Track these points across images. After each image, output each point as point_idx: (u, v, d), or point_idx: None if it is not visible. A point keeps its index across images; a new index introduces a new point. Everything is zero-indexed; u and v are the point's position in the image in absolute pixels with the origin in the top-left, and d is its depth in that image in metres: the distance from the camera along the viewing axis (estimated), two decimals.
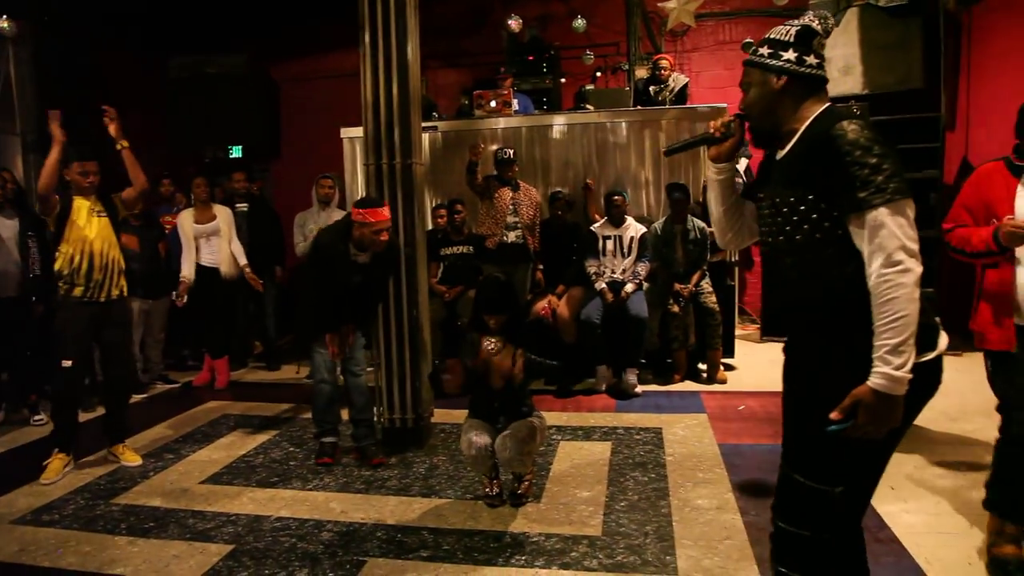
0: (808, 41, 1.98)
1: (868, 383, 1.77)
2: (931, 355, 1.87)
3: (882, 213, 1.75)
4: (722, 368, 6.11)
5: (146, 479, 4.25)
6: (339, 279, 4.17)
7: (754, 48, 2.07)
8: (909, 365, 1.74)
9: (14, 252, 5.19)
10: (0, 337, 5.27)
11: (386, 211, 4.14)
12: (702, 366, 6.19)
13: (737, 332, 6.84)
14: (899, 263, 1.74)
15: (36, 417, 5.39)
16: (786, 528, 2.01)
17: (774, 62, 1.99)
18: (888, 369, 1.74)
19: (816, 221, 1.88)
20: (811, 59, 1.98)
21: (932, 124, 6.84)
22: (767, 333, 7.61)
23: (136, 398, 6.05)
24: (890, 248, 1.74)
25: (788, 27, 2.01)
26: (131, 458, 4.51)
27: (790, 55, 1.97)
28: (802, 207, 1.90)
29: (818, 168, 1.85)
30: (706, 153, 2.24)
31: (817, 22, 1.99)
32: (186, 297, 6.03)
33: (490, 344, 3.66)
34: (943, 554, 2.99)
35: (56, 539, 3.47)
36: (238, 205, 6.87)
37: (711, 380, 6.02)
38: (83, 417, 5.07)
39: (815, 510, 1.94)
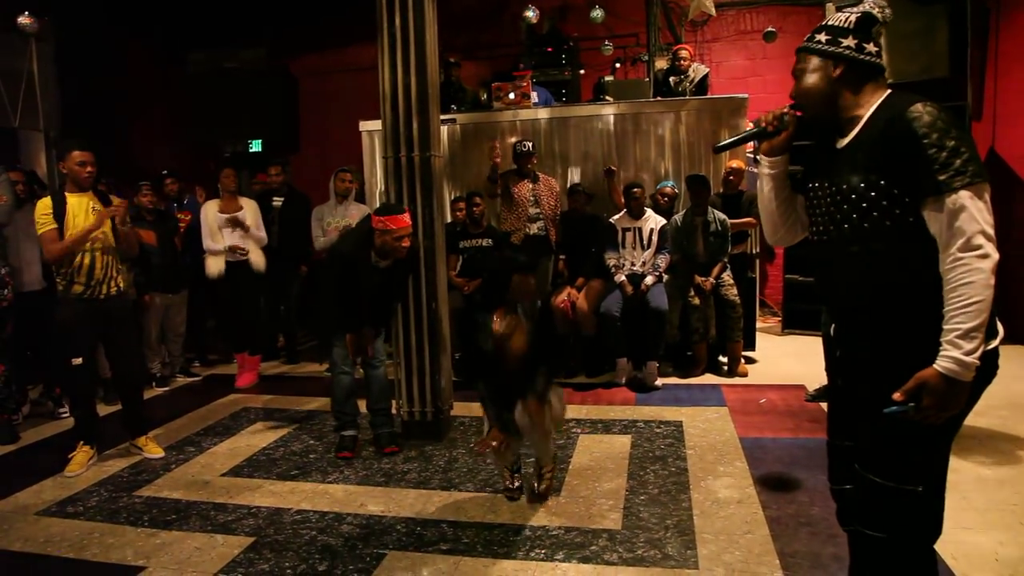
0: (868, 28, 1.95)
1: (935, 366, 1.74)
2: (994, 343, 1.84)
3: (963, 196, 1.72)
4: (743, 361, 6.08)
5: (168, 471, 4.30)
6: (360, 285, 4.16)
7: (810, 35, 2.02)
8: (979, 352, 1.72)
9: (37, 248, 5.25)
10: (26, 330, 5.34)
11: (407, 217, 4.09)
12: (723, 359, 6.15)
13: (758, 325, 6.79)
14: (979, 247, 1.71)
15: (60, 410, 5.46)
16: (866, 533, 1.96)
17: (833, 48, 1.95)
18: (958, 353, 1.71)
19: (887, 208, 1.84)
20: (870, 47, 1.94)
21: (958, 114, 6.72)
22: (788, 326, 7.57)
23: (158, 391, 6.14)
24: (970, 232, 1.71)
25: (847, 14, 1.98)
26: (153, 450, 4.55)
27: (850, 42, 1.94)
28: (873, 193, 1.85)
29: (892, 152, 1.81)
30: (757, 147, 2.20)
31: (877, 9, 1.95)
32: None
33: (503, 323, 3.43)
34: (968, 550, 2.95)
35: (80, 531, 3.52)
36: (275, 200, 6.79)
37: (732, 373, 5.99)
38: (106, 411, 5.16)
39: (897, 512, 1.89)
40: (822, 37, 1.98)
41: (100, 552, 3.29)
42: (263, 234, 6.33)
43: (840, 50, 1.94)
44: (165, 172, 7.08)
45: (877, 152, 1.85)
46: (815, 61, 1.99)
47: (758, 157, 2.22)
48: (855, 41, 1.94)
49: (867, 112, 1.93)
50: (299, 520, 3.56)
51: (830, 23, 1.99)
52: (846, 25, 1.96)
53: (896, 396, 1.79)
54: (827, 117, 2.01)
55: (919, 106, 1.79)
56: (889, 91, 1.95)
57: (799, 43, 2.07)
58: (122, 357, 4.52)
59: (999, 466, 3.84)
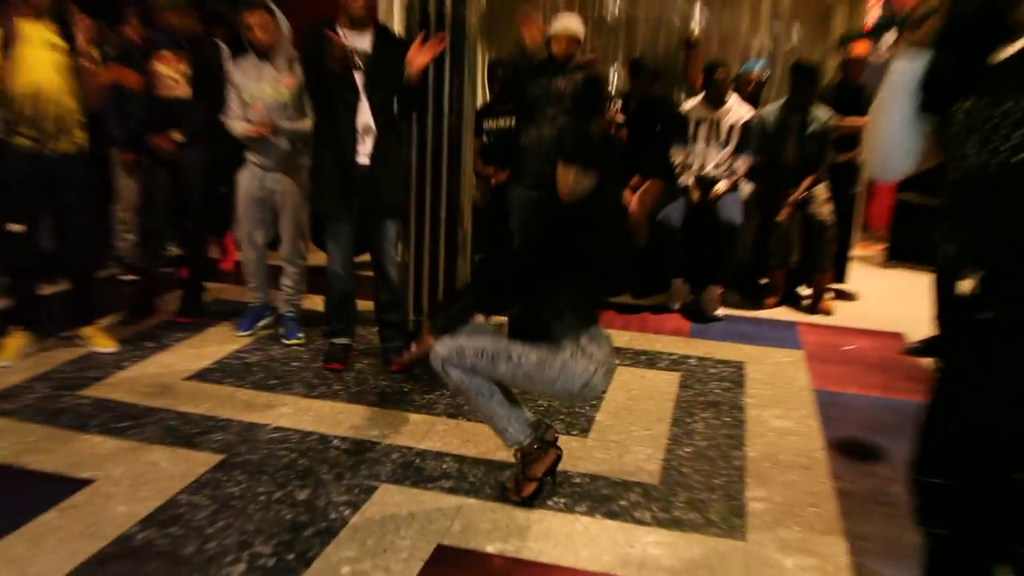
0: None
1: None
2: None
3: None
4: (830, 296, 6.09)
5: (120, 370, 4.39)
6: (331, 69, 4.04)
7: None
8: None
9: None
10: None
11: None
12: (804, 291, 6.16)
13: (855, 253, 6.71)
14: None
15: None
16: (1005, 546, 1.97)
17: None
18: None
19: None
20: None
21: None
22: (894, 257, 7.47)
23: (126, 277, 6.08)
24: None
25: None
26: (104, 343, 4.63)
27: None
28: None
29: None
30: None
31: None
32: None
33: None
34: None
35: (15, 432, 3.61)
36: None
37: (814, 310, 5.99)
38: (48, 291, 5.20)
39: None
40: None
41: (40, 459, 3.38)
42: None
43: None
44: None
45: None
46: None
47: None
48: None
49: None
50: (277, 439, 3.66)
51: None
52: None
53: None
54: (993, 14, 1.93)
55: None
56: None
57: None
58: (73, 228, 4.50)
59: None
